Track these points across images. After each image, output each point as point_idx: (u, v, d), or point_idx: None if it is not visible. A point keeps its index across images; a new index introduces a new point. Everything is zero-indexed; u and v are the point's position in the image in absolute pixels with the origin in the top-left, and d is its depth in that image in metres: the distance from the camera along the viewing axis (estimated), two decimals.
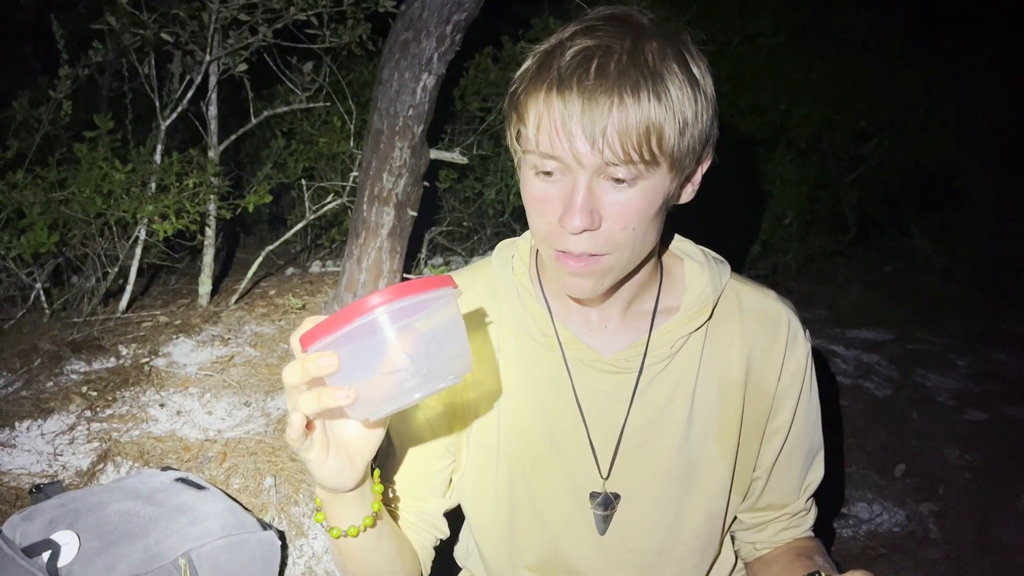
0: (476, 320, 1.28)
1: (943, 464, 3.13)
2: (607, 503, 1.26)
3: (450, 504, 1.36)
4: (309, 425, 0.95)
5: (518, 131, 1.09)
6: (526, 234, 1.32)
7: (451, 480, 1.35)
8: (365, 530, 1.10)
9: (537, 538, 1.30)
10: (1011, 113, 5.23)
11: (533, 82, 1.05)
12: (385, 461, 1.33)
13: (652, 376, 1.23)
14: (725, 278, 1.26)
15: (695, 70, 1.03)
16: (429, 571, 1.34)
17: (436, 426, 1.28)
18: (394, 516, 1.31)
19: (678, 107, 1.00)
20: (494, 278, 1.29)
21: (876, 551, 2.67)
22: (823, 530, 2.73)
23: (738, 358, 1.24)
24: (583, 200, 1.02)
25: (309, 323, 0.91)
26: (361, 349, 0.88)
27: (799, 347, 1.26)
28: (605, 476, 1.25)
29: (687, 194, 1.15)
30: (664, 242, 1.30)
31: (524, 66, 1.10)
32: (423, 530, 1.32)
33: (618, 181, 1.03)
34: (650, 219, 1.07)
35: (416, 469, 1.31)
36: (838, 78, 4.56)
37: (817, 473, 1.39)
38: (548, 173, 1.05)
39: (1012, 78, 5.16)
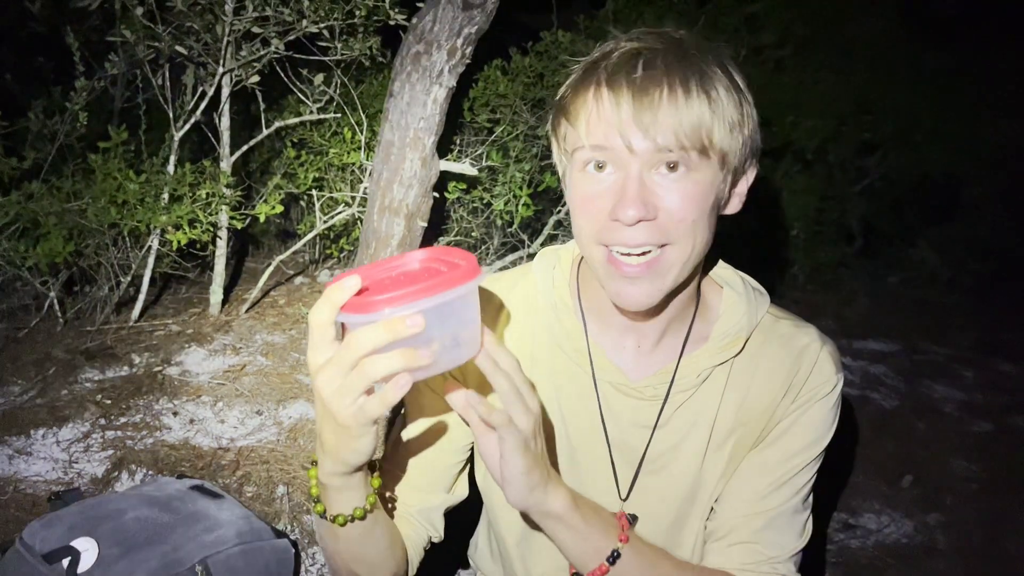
0: (512, 328, 1.28)
1: (950, 475, 3.14)
2: None
3: (453, 500, 1.36)
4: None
5: (564, 136, 1.11)
6: (569, 243, 1.32)
7: (458, 477, 1.35)
8: (372, 509, 1.09)
9: (549, 547, 1.31)
10: (1017, 124, 5.25)
11: (580, 84, 1.08)
12: (395, 450, 1.32)
13: (677, 404, 1.23)
14: (762, 311, 1.25)
15: (738, 79, 1.07)
16: (415, 571, 1.33)
17: (455, 423, 1.28)
18: (392, 508, 1.31)
19: (726, 105, 1.04)
20: (534, 287, 1.29)
21: (884, 562, 2.68)
22: (830, 540, 2.74)
23: (759, 389, 1.23)
24: (636, 189, 1.03)
25: (347, 288, 0.88)
26: (438, 316, 0.89)
27: (821, 377, 1.22)
28: (624, 498, 1.27)
29: (734, 204, 1.16)
30: (705, 267, 1.28)
31: (569, 79, 1.12)
32: (419, 525, 1.32)
33: (671, 168, 1.04)
34: (706, 213, 1.08)
35: (428, 462, 1.31)
36: (844, 90, 4.58)
37: (787, 526, 1.23)
38: (599, 168, 1.06)
39: (1018, 89, 5.18)
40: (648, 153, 1.03)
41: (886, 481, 3.07)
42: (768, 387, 1.22)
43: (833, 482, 3.04)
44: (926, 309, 4.95)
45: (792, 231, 4.57)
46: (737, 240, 4.27)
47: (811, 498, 1.27)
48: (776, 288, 4.66)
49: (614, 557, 1.11)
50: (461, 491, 1.37)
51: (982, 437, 3.42)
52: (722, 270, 1.31)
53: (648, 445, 1.24)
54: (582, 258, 1.29)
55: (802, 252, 4.77)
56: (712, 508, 1.28)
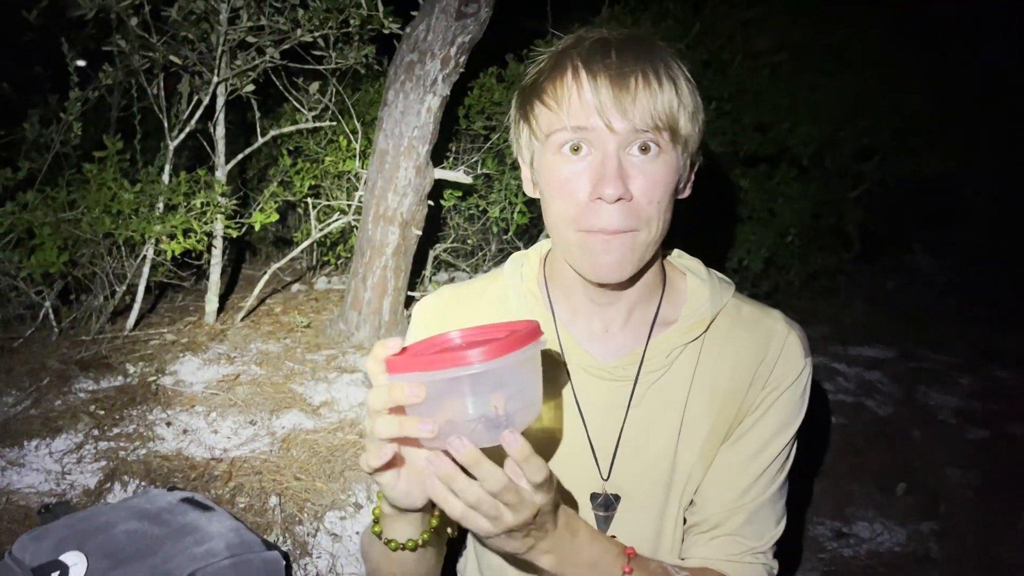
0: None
1: (945, 482, 3.13)
2: (608, 504, 1.30)
3: None
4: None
5: (538, 120, 1.16)
6: (536, 246, 1.40)
7: None
8: (423, 544, 1.13)
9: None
10: (1013, 129, 5.25)
11: (554, 71, 1.14)
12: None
13: (648, 385, 1.27)
14: (727, 297, 1.30)
15: (687, 73, 1.16)
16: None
17: None
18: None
19: (688, 94, 1.13)
20: (505, 284, 1.35)
21: (877, 570, 2.67)
22: (823, 548, 2.74)
23: (729, 372, 1.26)
24: (616, 167, 1.09)
25: (388, 347, 0.94)
26: (448, 391, 0.90)
27: (789, 364, 1.26)
28: (605, 477, 1.29)
29: (687, 190, 1.24)
30: (666, 255, 1.36)
31: (537, 67, 1.19)
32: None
33: (644, 150, 1.11)
34: (670, 195, 1.15)
35: None
36: (840, 95, 4.58)
37: (766, 517, 1.28)
38: (576, 150, 1.12)
39: (1014, 94, 5.18)
40: (626, 132, 1.09)
41: (880, 489, 3.07)
42: (737, 370, 1.26)
43: (827, 490, 3.04)
44: (923, 315, 4.94)
45: (788, 237, 4.57)
46: (733, 247, 4.28)
47: (787, 484, 1.32)
48: (772, 294, 4.66)
49: None
50: None
51: (978, 444, 3.42)
52: (686, 260, 1.37)
53: (623, 424, 1.27)
54: (547, 255, 1.37)
55: (798, 258, 4.76)
56: (692, 500, 1.31)
